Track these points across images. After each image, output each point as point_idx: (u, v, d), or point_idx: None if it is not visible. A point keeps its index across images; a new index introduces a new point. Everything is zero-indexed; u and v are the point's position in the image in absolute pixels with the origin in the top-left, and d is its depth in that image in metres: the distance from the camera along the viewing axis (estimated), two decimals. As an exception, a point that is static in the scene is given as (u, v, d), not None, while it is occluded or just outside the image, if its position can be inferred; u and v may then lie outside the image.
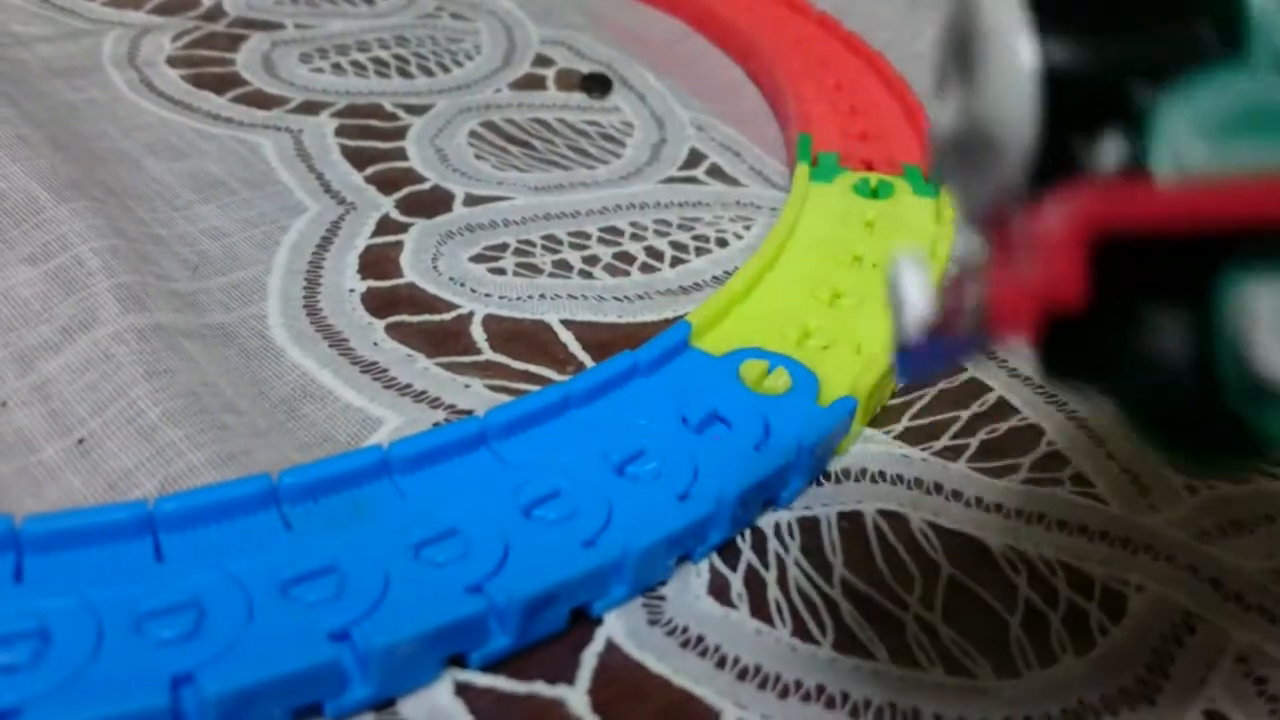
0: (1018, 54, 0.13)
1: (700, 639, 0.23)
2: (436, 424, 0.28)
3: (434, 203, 0.38)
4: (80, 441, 0.26)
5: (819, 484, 0.28)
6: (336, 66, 0.47)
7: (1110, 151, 0.13)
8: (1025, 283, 0.12)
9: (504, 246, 0.36)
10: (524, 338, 0.32)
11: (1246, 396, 0.13)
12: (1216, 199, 0.12)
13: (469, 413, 0.29)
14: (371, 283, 0.34)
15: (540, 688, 0.22)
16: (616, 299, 0.34)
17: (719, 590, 0.25)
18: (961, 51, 0.14)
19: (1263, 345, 0.12)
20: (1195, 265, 0.13)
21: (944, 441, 0.30)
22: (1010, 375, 0.33)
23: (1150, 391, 0.13)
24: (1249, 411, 0.13)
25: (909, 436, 0.30)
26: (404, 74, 0.47)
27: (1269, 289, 0.12)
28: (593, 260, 0.36)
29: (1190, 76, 0.13)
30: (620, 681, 0.22)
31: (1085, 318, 0.13)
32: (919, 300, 0.14)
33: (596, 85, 0.47)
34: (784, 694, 0.22)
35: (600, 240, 0.37)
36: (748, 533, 0.26)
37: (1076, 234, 0.12)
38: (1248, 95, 0.13)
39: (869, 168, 0.40)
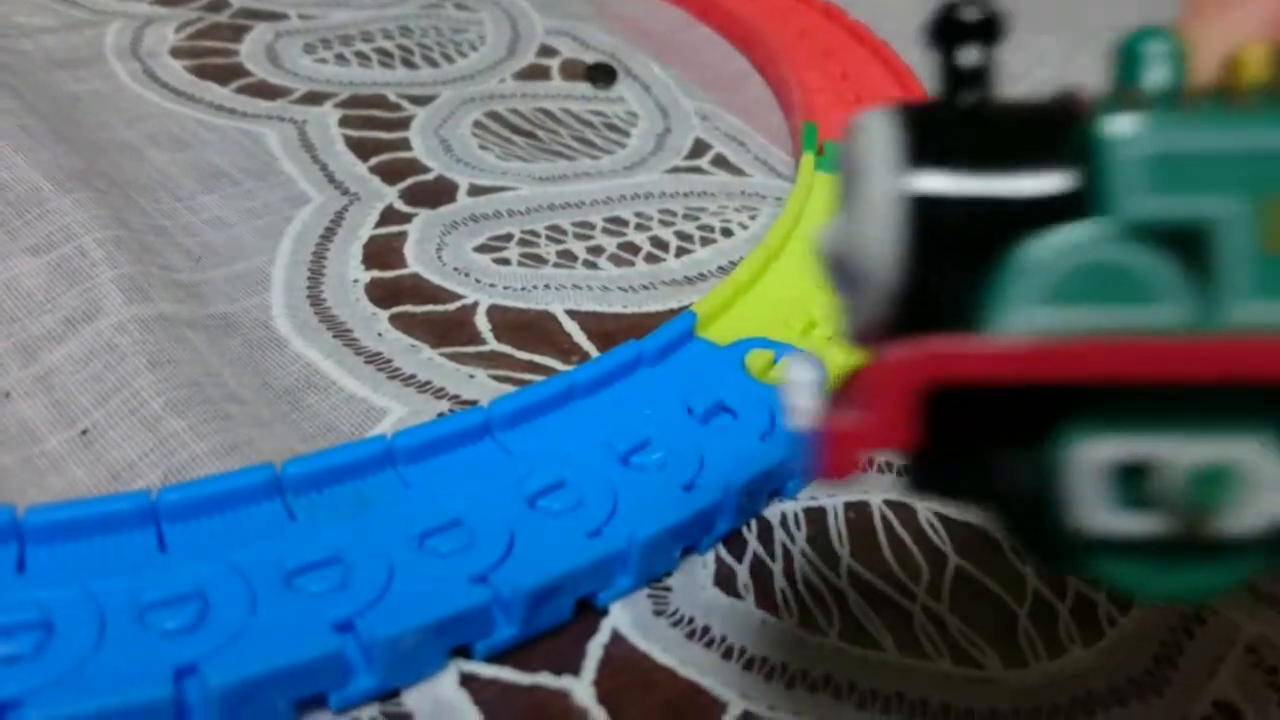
0: (887, 190, 0.14)
1: (706, 629, 0.23)
2: (441, 414, 0.28)
3: (438, 193, 0.38)
4: (83, 432, 0.26)
5: (825, 474, 0.28)
6: (340, 57, 0.46)
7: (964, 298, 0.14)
8: (853, 425, 0.13)
9: (508, 237, 0.36)
10: (528, 328, 0.32)
11: (1081, 545, 0.14)
12: (1044, 358, 0.13)
13: (473, 403, 0.29)
14: (375, 273, 0.34)
15: (545, 679, 0.22)
16: (621, 289, 0.34)
17: (725, 581, 0.25)
18: (848, 182, 0.15)
19: (1079, 500, 0.13)
20: (1041, 416, 0.14)
21: (951, 431, 0.30)
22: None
23: (1006, 518, 0.15)
24: (1080, 561, 0.14)
25: (916, 426, 0.30)
26: (408, 64, 0.47)
27: (1093, 447, 0.13)
28: (597, 250, 0.36)
29: (1042, 234, 0.14)
30: (626, 672, 0.22)
31: (939, 453, 0.14)
32: (807, 406, 0.14)
33: (601, 75, 0.47)
34: (790, 684, 0.22)
35: (605, 230, 0.37)
36: (754, 523, 0.26)
37: (904, 382, 0.13)
38: (1091, 258, 0.13)
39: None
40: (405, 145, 0.41)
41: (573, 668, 0.22)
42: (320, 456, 0.24)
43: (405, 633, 0.21)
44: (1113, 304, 0.13)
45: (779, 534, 0.26)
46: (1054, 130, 0.14)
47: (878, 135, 0.14)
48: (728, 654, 0.23)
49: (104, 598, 0.21)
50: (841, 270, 0.15)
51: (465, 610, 0.21)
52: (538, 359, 0.31)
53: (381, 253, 0.35)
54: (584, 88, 0.46)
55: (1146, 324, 0.13)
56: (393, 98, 0.44)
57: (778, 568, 0.25)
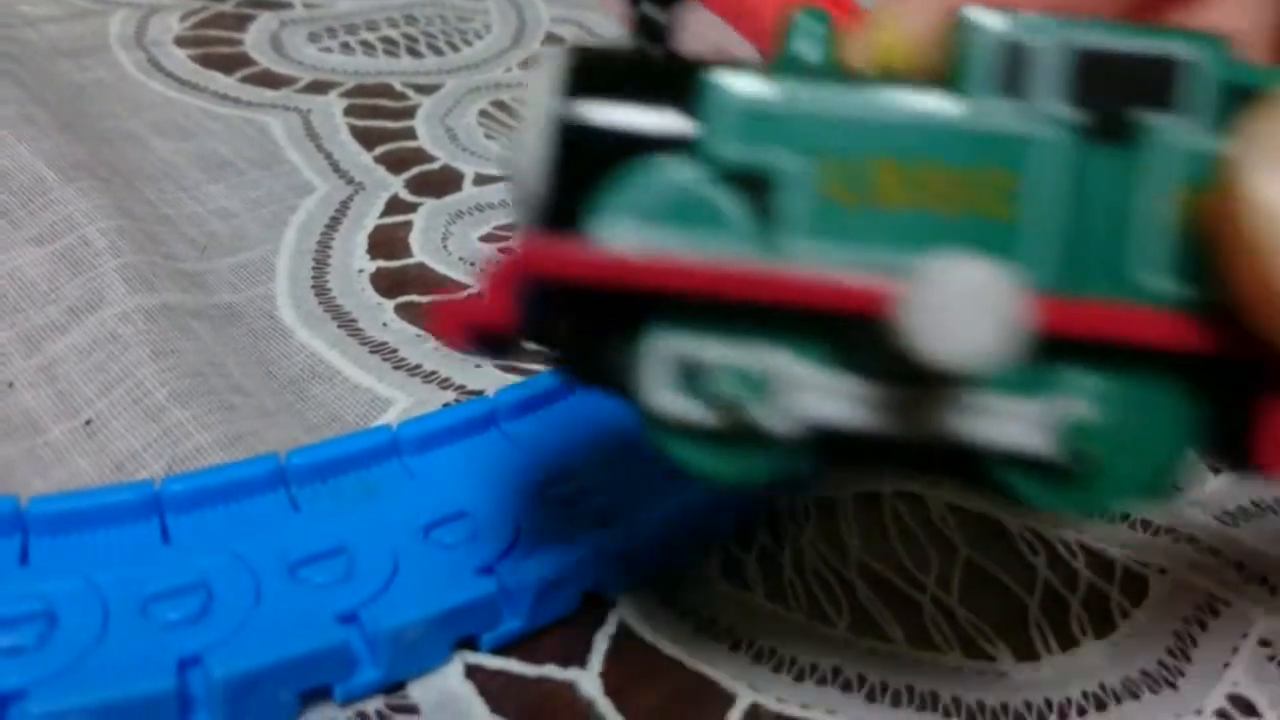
0: (539, 113, 0.16)
1: (714, 621, 0.23)
2: (446, 404, 0.28)
3: (443, 182, 0.38)
4: (87, 422, 0.26)
5: (834, 467, 0.28)
6: (345, 46, 0.46)
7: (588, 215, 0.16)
8: (462, 305, 0.16)
9: (514, 226, 0.36)
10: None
11: (655, 424, 0.16)
12: (625, 268, 0.15)
13: (479, 393, 0.28)
14: (381, 263, 0.33)
15: (552, 670, 0.22)
16: (628, 279, 0.34)
17: (733, 572, 0.24)
18: (521, 104, 0.17)
19: (648, 386, 0.16)
20: (633, 316, 0.16)
21: (961, 422, 0.30)
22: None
23: (619, 398, 0.17)
24: (657, 438, 0.16)
25: (925, 417, 0.30)
26: (413, 53, 0.46)
27: (665, 344, 0.16)
28: (604, 240, 0.36)
29: (646, 162, 0.16)
30: (633, 664, 0.22)
31: (568, 340, 0.17)
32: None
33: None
34: (799, 677, 0.22)
35: (611, 219, 0.37)
36: (763, 513, 0.26)
37: (506, 276, 0.16)
38: (678, 188, 0.16)
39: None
40: (410, 134, 0.40)
41: (580, 659, 0.22)
42: (325, 447, 0.23)
43: (410, 624, 0.20)
44: (691, 230, 0.16)
45: (788, 525, 0.26)
46: (683, 80, 0.16)
47: (547, 67, 0.17)
48: (736, 646, 0.23)
49: (107, 589, 0.20)
50: (512, 179, 0.17)
51: (471, 602, 0.21)
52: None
53: (387, 242, 0.34)
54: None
55: (716, 249, 0.16)
56: (398, 87, 0.43)
57: (787, 559, 0.25)
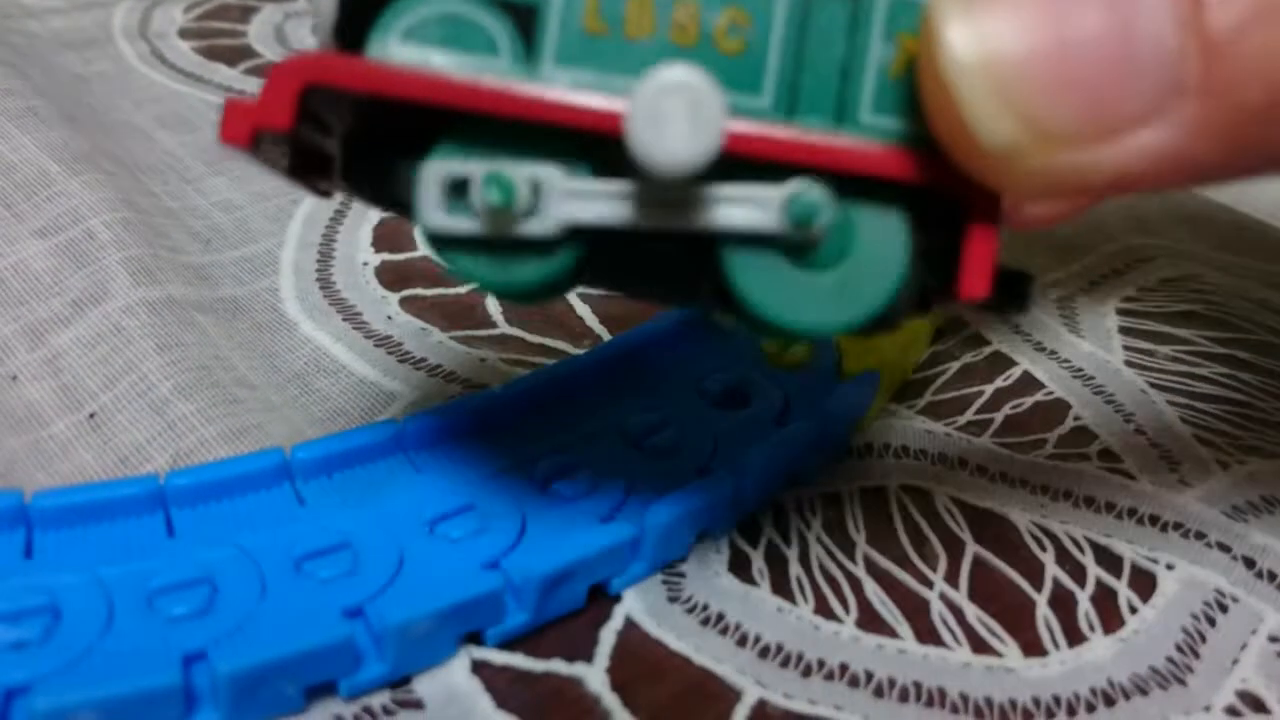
0: None
1: (721, 616, 0.23)
2: (451, 398, 0.28)
3: (448, 175, 0.38)
4: (91, 415, 0.26)
5: (841, 459, 0.27)
6: (349, 38, 0.46)
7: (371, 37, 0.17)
8: (245, 103, 0.17)
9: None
10: (540, 311, 0.32)
11: (435, 239, 0.18)
12: (391, 80, 0.17)
13: (485, 386, 0.28)
14: (385, 256, 0.33)
15: (558, 666, 0.22)
16: (634, 272, 0.34)
17: (740, 567, 0.24)
18: None
19: (425, 204, 0.17)
20: (417, 135, 0.17)
21: (968, 416, 0.29)
22: (1036, 349, 0.32)
23: (407, 217, 0.19)
24: (438, 251, 0.18)
25: (933, 411, 0.29)
26: (417, 45, 0.46)
27: (437, 164, 0.17)
28: (609, 233, 0.36)
29: None
30: (639, 659, 0.22)
31: (356, 163, 0.19)
32: None
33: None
34: (806, 673, 0.22)
35: (617, 212, 0.37)
36: (769, 508, 0.26)
37: (289, 80, 0.17)
38: (447, 11, 0.17)
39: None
40: (415, 127, 0.40)
41: (586, 655, 0.22)
42: (330, 441, 0.23)
43: (416, 619, 0.20)
44: (461, 51, 0.17)
45: (794, 520, 0.26)
46: None
47: None
48: (742, 641, 0.23)
49: (112, 583, 0.20)
50: (312, 6, 0.18)
51: (477, 597, 0.21)
52: (549, 342, 0.31)
53: (391, 235, 0.34)
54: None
55: (481, 69, 0.17)
56: (402, 79, 0.43)
57: (793, 554, 0.25)
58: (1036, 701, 0.22)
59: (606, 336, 0.31)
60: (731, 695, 0.21)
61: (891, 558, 0.25)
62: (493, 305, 0.32)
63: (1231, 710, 0.22)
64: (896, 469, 0.27)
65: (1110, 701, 0.22)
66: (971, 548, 0.25)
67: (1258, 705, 0.22)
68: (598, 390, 0.26)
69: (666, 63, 0.16)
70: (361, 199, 0.19)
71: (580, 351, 0.30)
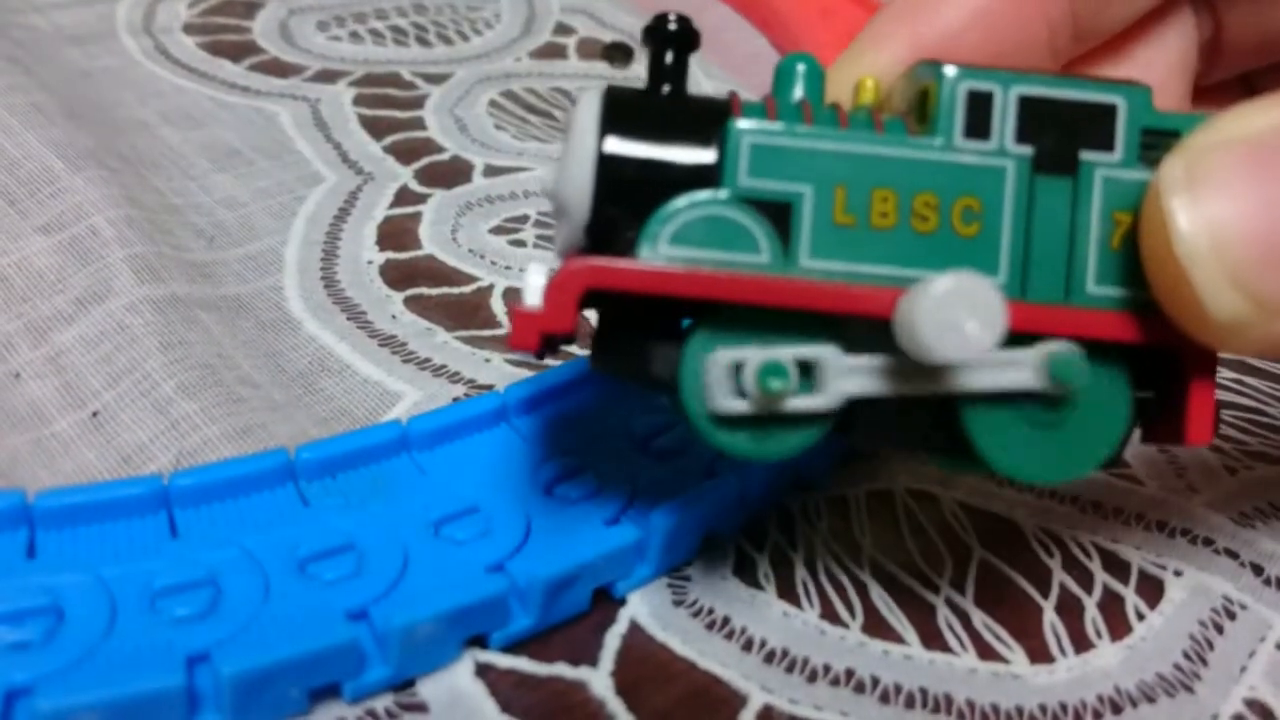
0: (588, 149, 0.19)
1: (726, 620, 0.23)
2: (456, 399, 0.28)
3: (453, 173, 0.37)
4: (94, 414, 0.26)
5: (847, 462, 0.27)
6: (354, 35, 0.46)
7: (627, 239, 0.19)
8: (533, 312, 0.18)
9: (524, 218, 0.36)
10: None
11: (704, 420, 0.19)
12: (667, 280, 0.18)
13: (489, 387, 0.28)
14: (390, 254, 0.33)
15: (562, 669, 0.22)
16: (639, 272, 0.34)
17: (745, 571, 0.24)
18: (565, 139, 0.20)
19: (715, 389, 0.19)
20: (683, 316, 0.19)
21: (975, 420, 0.29)
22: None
23: (658, 392, 0.20)
24: (705, 428, 0.19)
25: (939, 415, 0.29)
26: (422, 42, 0.46)
27: (718, 353, 0.19)
28: (615, 233, 0.35)
29: (682, 192, 0.19)
30: (644, 663, 0.22)
31: (612, 344, 0.20)
32: (533, 300, 0.19)
33: (618, 55, 0.46)
34: (812, 678, 0.22)
35: (622, 212, 0.36)
36: (774, 512, 0.26)
37: (573, 289, 0.18)
38: (711, 213, 0.19)
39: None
40: (420, 125, 0.40)
41: (590, 658, 0.22)
42: (334, 441, 0.23)
43: (420, 622, 0.20)
44: (722, 249, 0.19)
45: (800, 524, 0.25)
46: (709, 121, 0.19)
47: (587, 106, 0.19)
48: (748, 646, 0.22)
49: (115, 584, 0.20)
50: (555, 204, 0.20)
51: (481, 599, 0.21)
52: (554, 343, 0.30)
53: (396, 234, 0.34)
54: (601, 67, 0.46)
55: (744, 264, 0.19)
56: (407, 76, 0.43)
57: (799, 558, 0.25)
58: (1043, 709, 0.22)
59: (612, 337, 0.31)
60: (737, 700, 0.21)
61: (898, 562, 0.25)
62: (498, 305, 0.32)
63: (1239, 718, 0.22)
64: (903, 473, 0.27)
65: (1118, 709, 0.22)
66: (978, 553, 0.25)
67: (1266, 714, 0.22)
68: (603, 392, 0.26)
69: (920, 256, 0.19)
70: (604, 371, 0.21)
71: (586, 352, 0.30)
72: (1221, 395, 0.31)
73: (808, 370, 0.19)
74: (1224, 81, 0.27)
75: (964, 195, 0.19)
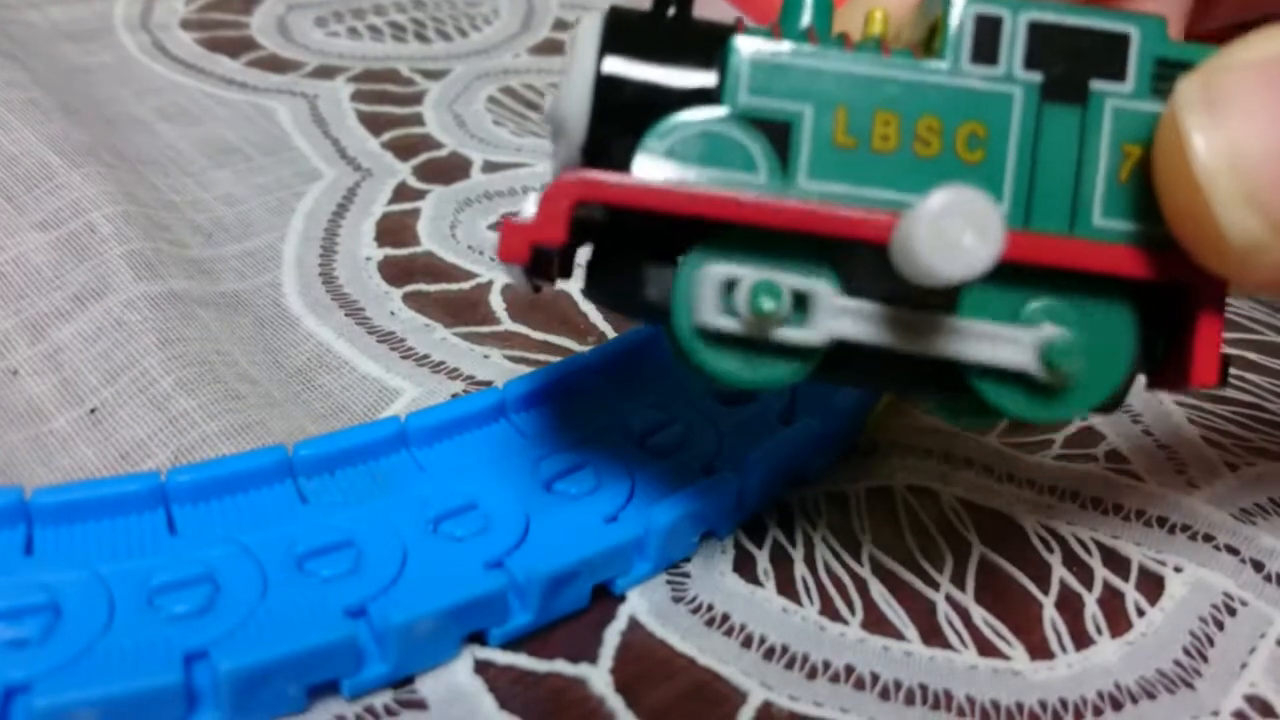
0: (586, 69, 0.19)
1: (726, 617, 0.23)
2: (455, 395, 0.28)
3: (452, 169, 0.37)
4: (92, 411, 0.26)
5: (847, 457, 0.27)
6: (352, 30, 0.46)
7: (622, 153, 0.18)
8: (523, 223, 0.18)
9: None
10: (544, 307, 0.31)
11: (692, 338, 0.19)
12: (660, 196, 0.18)
13: (488, 384, 0.28)
14: (388, 250, 0.33)
15: (562, 666, 0.22)
16: (638, 268, 0.34)
17: (745, 567, 0.24)
18: (566, 61, 0.19)
19: (703, 303, 0.18)
20: (678, 242, 0.19)
21: (975, 416, 0.29)
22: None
23: (649, 319, 0.20)
24: (690, 344, 0.19)
25: (939, 411, 0.29)
26: (421, 38, 0.46)
27: (710, 268, 0.18)
28: (614, 229, 0.35)
29: (680, 110, 0.18)
30: (644, 660, 0.22)
31: (604, 267, 0.20)
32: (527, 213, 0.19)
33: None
34: (812, 675, 0.22)
35: (621, 208, 0.36)
36: (774, 508, 0.26)
37: (563, 199, 0.18)
38: (707, 130, 0.18)
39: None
40: (418, 120, 0.40)
41: (590, 655, 0.22)
42: (332, 438, 0.23)
43: (419, 619, 0.20)
44: (718, 166, 0.18)
45: (799, 520, 0.25)
46: (712, 44, 0.19)
47: (588, 27, 0.19)
48: (747, 642, 0.22)
49: (112, 581, 0.20)
50: (553, 124, 0.19)
51: (480, 596, 0.21)
52: (553, 339, 0.30)
53: (394, 230, 0.34)
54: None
55: (740, 183, 0.18)
56: (405, 72, 0.43)
57: (798, 554, 0.25)
58: (1043, 705, 0.22)
59: (611, 334, 0.31)
60: (736, 697, 0.21)
61: (897, 558, 0.25)
62: (496, 301, 0.32)
63: (1240, 715, 0.22)
64: (902, 468, 0.27)
65: (1118, 705, 0.22)
66: (978, 549, 0.25)
67: (1266, 710, 0.22)
68: (602, 388, 0.26)
69: (922, 180, 0.18)
70: (597, 299, 0.20)
71: (585, 348, 0.30)
72: (1221, 392, 0.31)
73: (802, 302, 0.19)
74: (1219, 30, 0.26)
75: (969, 120, 0.19)
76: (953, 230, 0.17)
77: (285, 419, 0.26)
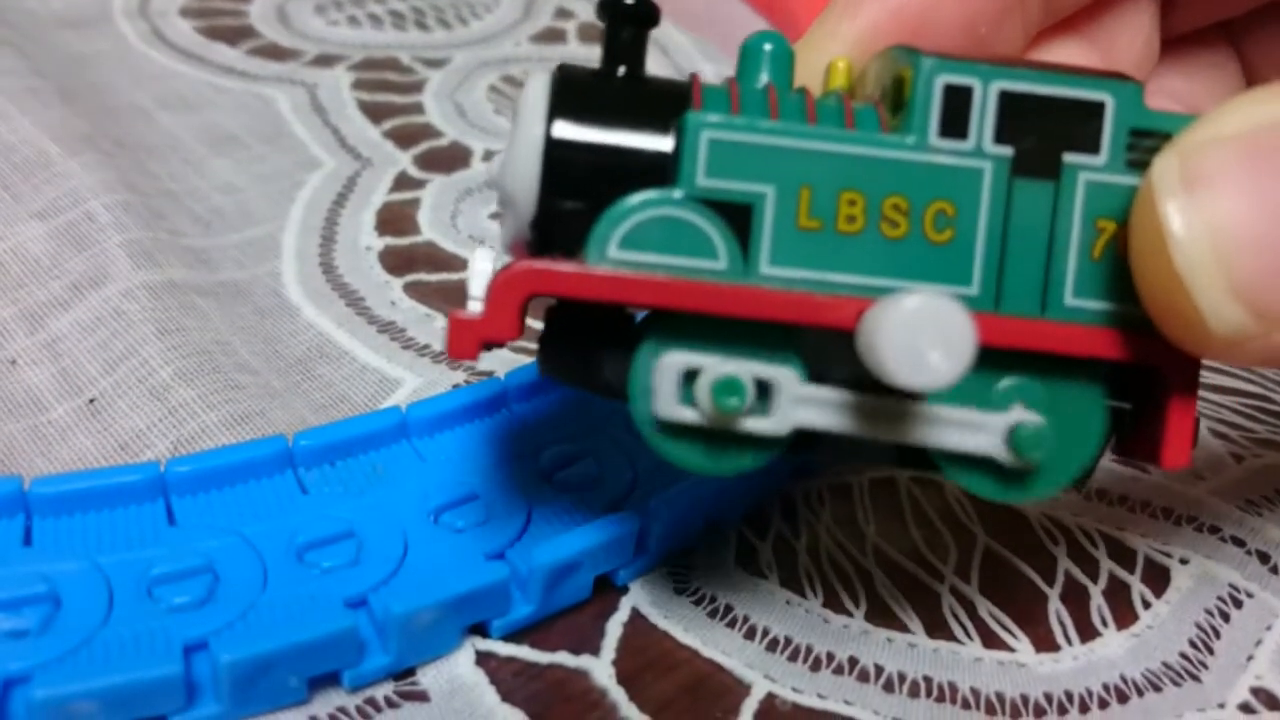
0: (535, 134, 0.18)
1: (729, 609, 0.23)
2: (456, 385, 0.28)
3: (452, 159, 0.37)
4: (91, 401, 0.26)
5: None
6: (352, 19, 0.46)
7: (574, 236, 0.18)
8: (472, 320, 0.17)
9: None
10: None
11: (651, 427, 0.18)
12: (615, 286, 0.17)
13: (489, 374, 0.28)
14: (389, 240, 0.33)
15: (564, 658, 0.21)
16: (640, 258, 0.33)
17: (748, 559, 0.24)
18: (512, 124, 0.18)
19: (662, 395, 0.18)
20: (631, 328, 0.18)
21: (979, 407, 0.29)
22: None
23: (608, 398, 0.19)
24: (651, 435, 0.18)
25: (943, 402, 0.29)
26: (421, 26, 0.46)
27: (676, 355, 0.18)
28: (615, 218, 0.35)
29: (634, 188, 0.17)
30: (646, 652, 0.22)
31: (558, 346, 0.19)
32: (477, 295, 0.18)
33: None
34: (816, 667, 0.22)
35: (623, 198, 0.36)
36: (777, 499, 0.25)
37: (514, 294, 0.17)
38: (663, 214, 0.17)
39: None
40: (419, 109, 0.40)
41: (592, 647, 0.22)
42: (333, 428, 0.23)
43: (420, 610, 0.20)
44: (676, 253, 0.17)
45: (803, 511, 0.25)
46: (667, 106, 0.18)
47: (535, 87, 0.18)
48: (751, 634, 0.22)
49: (112, 572, 0.20)
50: (500, 195, 0.18)
51: (482, 587, 0.21)
52: (555, 329, 0.30)
53: (395, 219, 0.34)
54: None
55: (700, 271, 0.17)
56: (406, 61, 0.43)
57: (802, 546, 0.24)
58: (1049, 698, 0.22)
59: (613, 323, 0.31)
60: (740, 689, 0.21)
61: (902, 550, 0.25)
62: (497, 291, 0.31)
63: (1245, 707, 0.22)
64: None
65: (1123, 698, 0.22)
66: (983, 540, 0.25)
67: (1272, 702, 0.22)
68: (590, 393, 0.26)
69: (888, 265, 0.17)
70: (551, 375, 0.20)
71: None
72: (1228, 381, 0.31)
73: (765, 389, 0.18)
74: (1200, 31, 0.25)
75: (937, 199, 0.18)
76: (921, 344, 0.16)
77: (285, 409, 0.26)
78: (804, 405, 0.18)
